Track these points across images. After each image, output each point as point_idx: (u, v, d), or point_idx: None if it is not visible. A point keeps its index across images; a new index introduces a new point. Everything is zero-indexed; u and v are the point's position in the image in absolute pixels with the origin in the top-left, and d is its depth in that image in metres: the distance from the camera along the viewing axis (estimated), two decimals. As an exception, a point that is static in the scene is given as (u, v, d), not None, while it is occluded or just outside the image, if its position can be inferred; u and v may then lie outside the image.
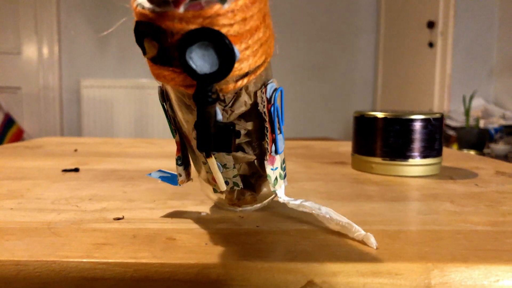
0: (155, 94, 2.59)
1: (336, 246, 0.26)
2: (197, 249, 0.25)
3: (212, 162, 0.27)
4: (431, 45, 2.16)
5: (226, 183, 0.29)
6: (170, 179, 0.33)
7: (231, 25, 0.22)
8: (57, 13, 2.59)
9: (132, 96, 2.61)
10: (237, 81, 0.25)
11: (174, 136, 0.30)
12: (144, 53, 0.24)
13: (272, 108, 0.27)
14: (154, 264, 0.23)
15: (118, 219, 0.31)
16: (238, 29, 0.22)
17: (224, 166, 0.28)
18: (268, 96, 0.27)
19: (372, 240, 0.26)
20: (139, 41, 0.24)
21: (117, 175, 0.48)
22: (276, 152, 0.28)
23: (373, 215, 0.33)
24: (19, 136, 2.56)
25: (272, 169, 0.29)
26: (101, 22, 2.61)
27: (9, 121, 2.56)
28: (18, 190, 0.40)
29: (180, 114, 0.28)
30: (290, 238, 0.27)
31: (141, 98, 2.61)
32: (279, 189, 0.29)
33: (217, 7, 0.21)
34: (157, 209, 0.34)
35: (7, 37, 2.58)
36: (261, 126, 0.28)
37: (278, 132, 0.28)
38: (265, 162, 0.28)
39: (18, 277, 0.23)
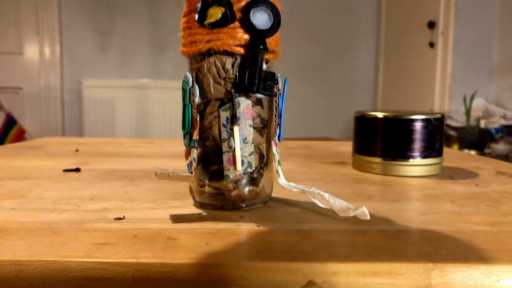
0: (155, 94, 2.59)
1: (336, 246, 0.26)
2: (197, 249, 0.25)
3: (236, 132, 0.31)
4: (431, 45, 2.16)
5: (242, 163, 0.31)
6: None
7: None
8: (58, 13, 2.60)
9: (133, 96, 2.61)
10: (271, 52, 0.32)
11: (185, 128, 0.32)
12: (204, 20, 0.31)
13: (281, 93, 0.33)
14: (155, 264, 0.23)
15: (119, 219, 0.31)
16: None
17: (244, 140, 0.31)
18: (279, 83, 0.33)
19: (366, 212, 0.29)
20: (204, 10, 0.31)
21: (118, 175, 0.48)
22: (278, 138, 0.34)
23: (373, 215, 0.33)
24: (20, 136, 2.56)
25: (277, 151, 0.33)
26: (102, 22, 2.61)
27: (11, 121, 2.56)
28: (19, 190, 0.40)
29: (212, 87, 0.32)
30: (290, 238, 0.27)
31: (142, 98, 2.61)
32: (281, 171, 0.33)
33: None
34: (158, 209, 0.34)
35: (8, 37, 2.58)
36: (270, 116, 0.34)
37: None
38: (272, 142, 0.33)
39: (19, 276, 0.23)
